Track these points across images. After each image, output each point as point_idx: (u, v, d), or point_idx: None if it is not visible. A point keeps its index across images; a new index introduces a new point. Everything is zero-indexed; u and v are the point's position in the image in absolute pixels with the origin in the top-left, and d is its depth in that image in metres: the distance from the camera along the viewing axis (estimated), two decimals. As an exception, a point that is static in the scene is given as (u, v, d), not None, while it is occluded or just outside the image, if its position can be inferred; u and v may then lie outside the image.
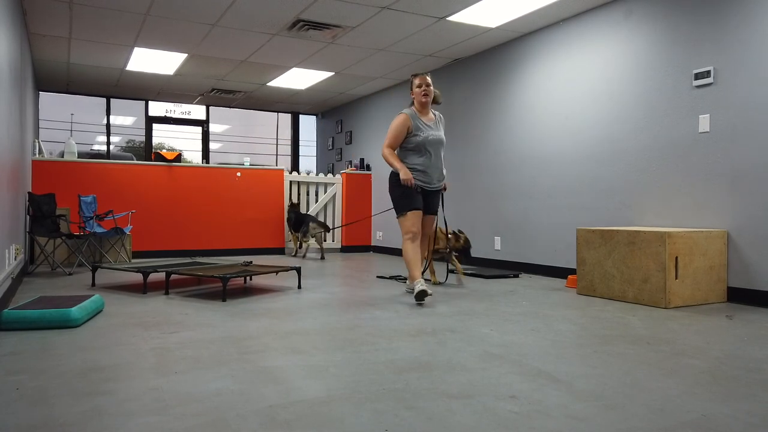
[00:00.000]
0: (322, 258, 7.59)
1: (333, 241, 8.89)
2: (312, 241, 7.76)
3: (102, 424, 1.73)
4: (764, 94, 3.98)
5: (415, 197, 4.17)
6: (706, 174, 4.34)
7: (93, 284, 4.78)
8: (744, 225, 4.11)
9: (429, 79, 4.29)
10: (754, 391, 2.09)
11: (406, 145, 4.23)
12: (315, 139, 11.49)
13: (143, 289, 4.43)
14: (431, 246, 4.93)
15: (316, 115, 11.25)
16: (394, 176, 4.21)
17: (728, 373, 2.34)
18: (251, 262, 5.34)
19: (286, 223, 8.20)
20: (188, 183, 7.71)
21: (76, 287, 4.69)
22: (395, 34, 6.09)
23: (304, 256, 7.68)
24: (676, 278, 3.95)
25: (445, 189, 4.47)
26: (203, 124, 10.42)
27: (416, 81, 4.28)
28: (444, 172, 4.37)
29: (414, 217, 4.14)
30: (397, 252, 8.29)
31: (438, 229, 4.98)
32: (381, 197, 8.71)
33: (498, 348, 2.72)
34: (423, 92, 4.24)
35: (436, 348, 2.71)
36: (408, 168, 4.17)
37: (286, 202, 8.35)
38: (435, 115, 4.40)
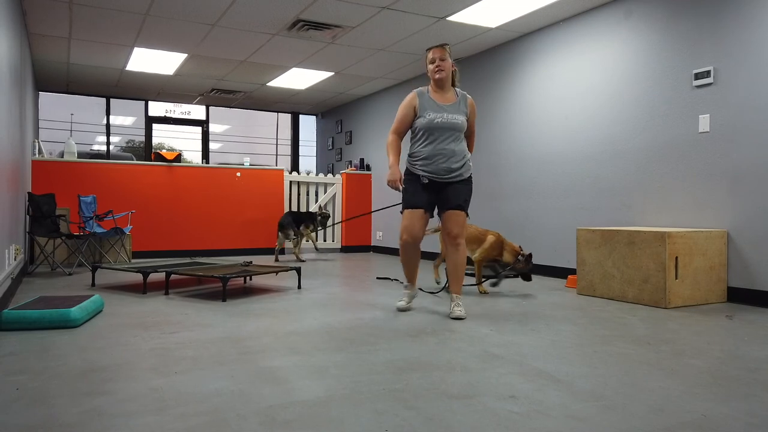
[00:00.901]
0: (298, 260, 7.45)
1: (333, 240, 8.89)
2: (299, 242, 7.57)
3: (102, 424, 1.73)
4: (764, 94, 3.98)
5: (417, 193, 3.56)
6: (706, 174, 4.34)
7: (93, 284, 4.78)
8: (744, 225, 4.11)
9: (446, 51, 3.57)
10: (754, 391, 2.09)
11: (413, 128, 3.64)
12: (315, 139, 11.49)
13: (143, 289, 4.43)
14: (488, 254, 4.48)
15: (316, 115, 11.25)
16: (407, 169, 3.68)
17: (728, 373, 2.34)
18: (251, 262, 5.34)
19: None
20: (188, 183, 7.71)
21: (76, 287, 4.69)
22: (395, 34, 6.09)
23: (282, 255, 7.46)
24: (676, 278, 3.94)
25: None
26: (203, 124, 10.42)
27: (429, 55, 3.60)
28: (460, 164, 3.55)
29: (410, 218, 3.57)
30: (397, 252, 8.28)
31: (506, 243, 4.51)
32: (381, 197, 8.71)
33: (498, 348, 2.71)
34: (436, 68, 3.55)
35: (436, 348, 2.71)
36: (412, 155, 3.60)
37: (286, 203, 8.34)
38: (457, 94, 3.63)
